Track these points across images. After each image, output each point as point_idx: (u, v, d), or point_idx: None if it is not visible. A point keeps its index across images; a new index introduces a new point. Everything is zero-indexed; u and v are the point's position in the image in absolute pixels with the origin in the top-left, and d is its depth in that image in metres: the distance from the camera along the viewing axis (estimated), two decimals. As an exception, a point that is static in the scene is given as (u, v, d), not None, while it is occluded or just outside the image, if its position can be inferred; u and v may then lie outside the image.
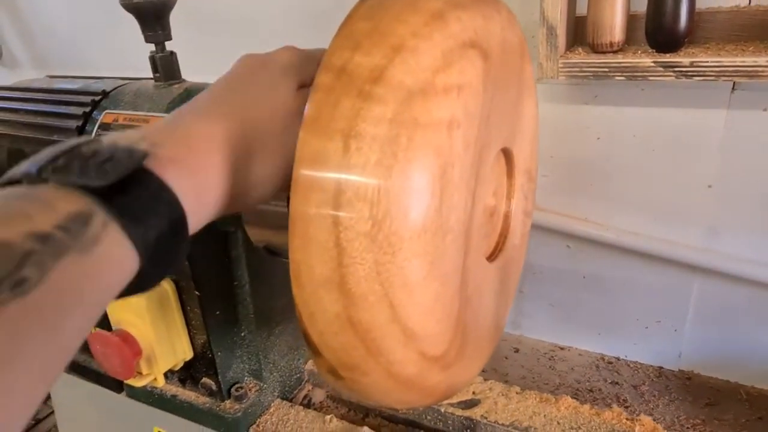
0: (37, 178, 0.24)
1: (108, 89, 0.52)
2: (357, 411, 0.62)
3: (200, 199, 0.29)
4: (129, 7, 0.47)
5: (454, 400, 0.57)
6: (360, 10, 0.29)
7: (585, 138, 0.88)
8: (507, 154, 0.43)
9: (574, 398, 0.93)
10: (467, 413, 0.55)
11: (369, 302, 0.27)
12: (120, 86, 0.52)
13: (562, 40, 0.72)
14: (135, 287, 0.26)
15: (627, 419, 0.54)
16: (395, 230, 0.27)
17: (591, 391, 0.94)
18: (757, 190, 0.81)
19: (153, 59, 0.50)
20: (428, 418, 0.56)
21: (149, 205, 0.26)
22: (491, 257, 0.42)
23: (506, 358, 1.03)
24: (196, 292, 0.50)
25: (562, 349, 1.04)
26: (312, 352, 0.29)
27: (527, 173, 0.48)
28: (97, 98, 0.51)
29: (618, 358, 1.01)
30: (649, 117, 0.83)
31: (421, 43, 0.28)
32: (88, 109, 0.50)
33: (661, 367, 0.98)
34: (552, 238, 0.97)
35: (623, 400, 0.91)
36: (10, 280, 0.19)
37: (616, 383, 0.96)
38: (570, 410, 0.54)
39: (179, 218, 0.27)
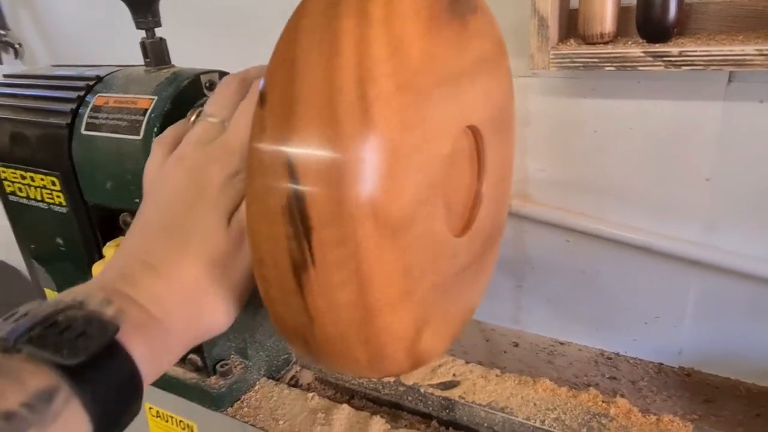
0: (12, 347, 0.26)
1: (102, 75, 0.54)
2: (343, 393, 0.63)
3: (159, 361, 0.32)
4: (120, -5, 0.49)
5: (435, 381, 0.58)
6: None
7: (582, 131, 0.88)
8: (474, 132, 0.44)
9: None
10: (445, 394, 0.55)
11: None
12: (113, 72, 0.55)
13: (554, 31, 0.73)
14: None
15: (603, 401, 0.54)
16: (354, 196, 0.28)
17: (588, 386, 0.94)
18: (756, 183, 0.80)
19: (143, 45, 0.52)
20: (409, 398, 0.57)
21: (110, 380, 0.28)
22: (459, 233, 0.43)
23: (505, 352, 1.03)
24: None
25: (561, 344, 1.04)
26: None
27: (494, 125, 0.49)
28: (91, 83, 0.53)
29: (617, 354, 1.00)
30: (645, 110, 0.83)
31: None
32: (82, 93, 0.53)
33: (661, 364, 0.97)
34: (550, 232, 0.97)
35: (621, 395, 0.91)
36: None
37: (615, 378, 0.95)
38: (547, 392, 0.55)
39: (136, 389, 0.30)
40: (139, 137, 0.47)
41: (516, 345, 1.05)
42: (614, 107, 0.84)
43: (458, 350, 1.04)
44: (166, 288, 0.34)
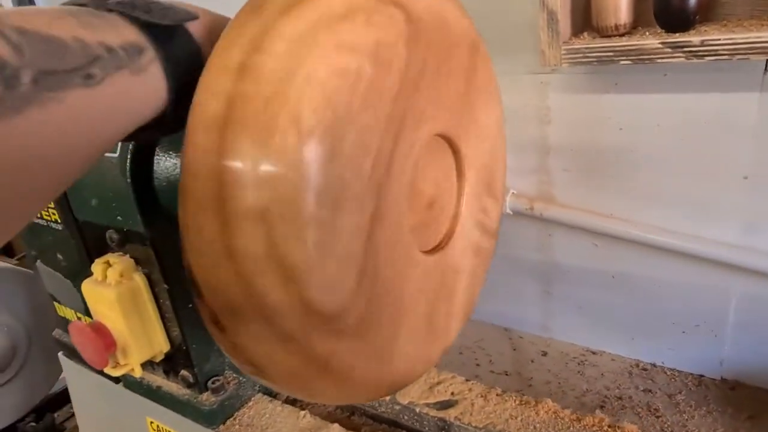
0: (102, 5, 0.29)
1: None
2: (342, 409, 0.61)
3: None
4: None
5: (432, 399, 0.55)
6: None
7: (606, 129, 0.83)
8: (453, 149, 0.41)
9: (601, 406, 0.88)
10: (441, 414, 0.53)
11: (245, 228, 0.26)
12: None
13: (565, 25, 0.68)
14: (157, 128, 0.31)
15: (609, 426, 0.50)
16: (281, 155, 0.27)
17: (620, 399, 0.88)
18: (800, 180, 0.73)
19: None
20: (405, 417, 0.55)
21: (185, 60, 0.30)
22: (428, 251, 0.40)
23: (532, 361, 0.99)
24: (165, 286, 0.51)
25: (594, 353, 0.99)
26: (195, 294, 0.29)
27: (487, 187, 0.46)
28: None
29: (654, 365, 0.94)
30: (674, 104, 0.77)
31: None
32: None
33: (701, 376, 0.90)
34: (577, 236, 0.92)
35: (655, 409, 0.85)
36: (82, 72, 0.24)
37: (649, 391, 0.89)
38: (549, 414, 0.51)
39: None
40: (116, 155, 0.47)
41: (545, 354, 1.00)
42: (639, 102, 0.79)
43: (483, 359, 1.00)
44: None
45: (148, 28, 0.29)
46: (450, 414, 0.52)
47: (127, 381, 0.63)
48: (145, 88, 0.28)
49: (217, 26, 0.33)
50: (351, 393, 0.35)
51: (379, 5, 0.31)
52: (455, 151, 0.42)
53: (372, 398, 0.39)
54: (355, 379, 0.33)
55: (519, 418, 0.51)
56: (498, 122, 0.46)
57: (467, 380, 0.57)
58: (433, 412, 0.53)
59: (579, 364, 0.97)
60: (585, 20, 0.73)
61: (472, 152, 0.43)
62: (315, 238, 0.28)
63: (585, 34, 0.71)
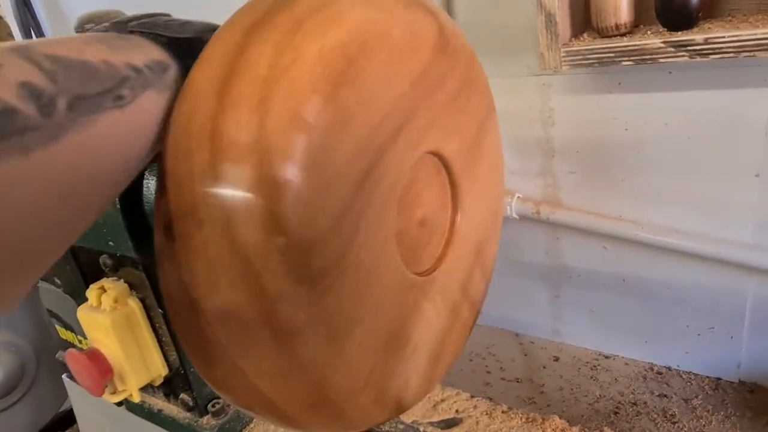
0: (124, 29, 0.29)
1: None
2: (347, 427, 0.60)
3: None
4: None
5: (435, 418, 0.53)
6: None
7: (612, 129, 0.81)
8: (448, 170, 0.40)
9: (615, 413, 0.86)
10: (446, 433, 0.51)
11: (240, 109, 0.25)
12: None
13: (564, 27, 0.66)
14: None
15: (618, 444, 0.48)
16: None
17: (635, 404, 0.86)
18: (815, 177, 0.70)
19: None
20: (409, 436, 0.53)
21: None
22: (423, 273, 0.39)
23: (544, 367, 0.97)
24: (160, 310, 0.50)
25: (606, 357, 0.97)
26: (158, 190, 0.27)
27: (478, 254, 0.44)
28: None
29: (669, 368, 0.92)
30: (681, 102, 0.75)
31: None
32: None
33: (718, 379, 0.88)
34: (586, 239, 0.90)
35: (671, 415, 0.83)
36: (113, 94, 0.24)
37: (665, 396, 0.87)
38: (557, 432, 0.50)
39: None
40: (105, 180, 0.46)
41: (556, 359, 0.98)
42: (645, 101, 0.77)
43: (494, 366, 0.99)
44: None
45: (170, 45, 0.29)
46: (454, 433, 0.51)
47: (129, 404, 0.62)
48: (169, 105, 0.28)
49: None
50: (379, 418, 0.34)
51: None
52: (447, 168, 0.40)
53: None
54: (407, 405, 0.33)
55: (525, 437, 0.50)
56: (499, 199, 0.45)
57: (472, 396, 0.55)
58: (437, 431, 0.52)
59: (592, 368, 0.95)
60: (585, 21, 0.72)
61: (470, 184, 0.41)
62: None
63: (585, 34, 0.69)
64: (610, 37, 0.65)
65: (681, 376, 0.90)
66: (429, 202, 0.40)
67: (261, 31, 0.27)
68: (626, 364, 0.95)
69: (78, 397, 0.73)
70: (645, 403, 0.86)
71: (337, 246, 0.29)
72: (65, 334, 0.67)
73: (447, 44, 0.33)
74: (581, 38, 0.68)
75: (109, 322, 0.49)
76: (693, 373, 0.90)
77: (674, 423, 0.82)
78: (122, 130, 0.25)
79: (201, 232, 0.25)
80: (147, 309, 0.52)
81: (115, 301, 0.51)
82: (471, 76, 0.37)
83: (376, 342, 0.36)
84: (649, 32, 0.63)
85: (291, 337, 0.28)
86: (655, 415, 0.84)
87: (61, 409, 1.04)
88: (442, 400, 0.55)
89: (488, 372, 0.98)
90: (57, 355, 0.72)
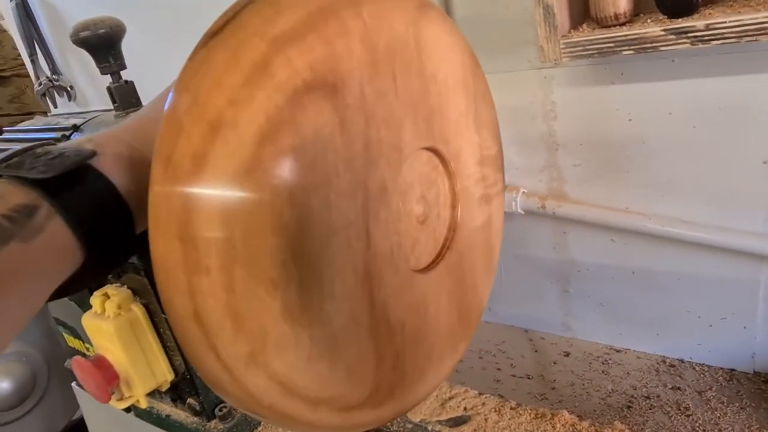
0: None
1: (79, 123, 0.54)
2: (355, 427, 0.60)
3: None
4: (78, 42, 0.48)
5: (444, 416, 0.53)
6: (183, 74, 0.26)
7: (615, 120, 0.80)
8: (438, 155, 0.39)
9: (628, 407, 0.85)
10: (454, 431, 0.51)
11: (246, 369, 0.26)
12: (89, 119, 0.54)
13: (563, 18, 0.66)
14: (82, 278, 0.29)
15: (629, 438, 0.48)
16: None
17: (648, 398, 0.85)
18: (824, 162, 0.69)
19: (110, 90, 0.51)
20: (416, 436, 0.53)
21: (94, 201, 0.28)
22: (433, 263, 0.38)
23: (554, 363, 0.96)
24: (164, 315, 0.50)
25: (617, 351, 0.96)
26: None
27: (477, 150, 0.43)
28: (67, 132, 0.53)
29: (681, 361, 0.90)
30: (685, 90, 0.74)
31: (240, 111, 0.25)
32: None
33: (732, 370, 0.87)
34: (593, 232, 0.89)
35: (685, 407, 0.82)
36: None
37: (678, 389, 0.86)
38: (567, 428, 0.49)
39: (123, 214, 0.29)
40: (104, 187, 0.46)
41: (567, 354, 0.97)
42: (648, 91, 0.76)
43: (504, 363, 0.98)
44: (149, 123, 0.32)
45: (40, 183, 0.26)
46: (463, 431, 0.50)
47: (137, 410, 0.62)
48: (45, 247, 0.26)
49: (136, 140, 0.31)
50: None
51: (293, 110, 0.27)
52: (440, 158, 0.40)
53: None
54: (408, 407, 0.33)
55: (534, 433, 0.49)
56: (462, 72, 0.41)
57: (480, 394, 0.55)
58: (445, 430, 0.51)
59: (603, 363, 0.94)
60: (583, 12, 0.71)
61: (457, 141, 0.40)
62: (318, 356, 0.28)
63: (584, 25, 0.69)
64: (609, 27, 0.65)
65: (694, 368, 0.89)
66: (422, 198, 0.39)
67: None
68: (638, 357, 0.93)
69: (88, 405, 0.73)
70: (658, 396, 0.85)
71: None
72: (73, 342, 0.68)
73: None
74: (580, 29, 0.67)
75: (113, 329, 0.49)
76: (706, 365, 0.88)
77: (688, 416, 0.81)
78: None
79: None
80: (151, 314, 0.52)
81: (119, 307, 0.51)
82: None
83: (446, 344, 0.36)
84: (649, 20, 0.63)
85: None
86: (669, 408, 0.82)
87: (74, 418, 1.04)
88: (450, 398, 0.55)
89: (498, 369, 0.97)
90: (66, 364, 0.72)
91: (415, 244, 0.38)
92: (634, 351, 0.94)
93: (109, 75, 0.51)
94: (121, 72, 0.51)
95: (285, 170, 0.26)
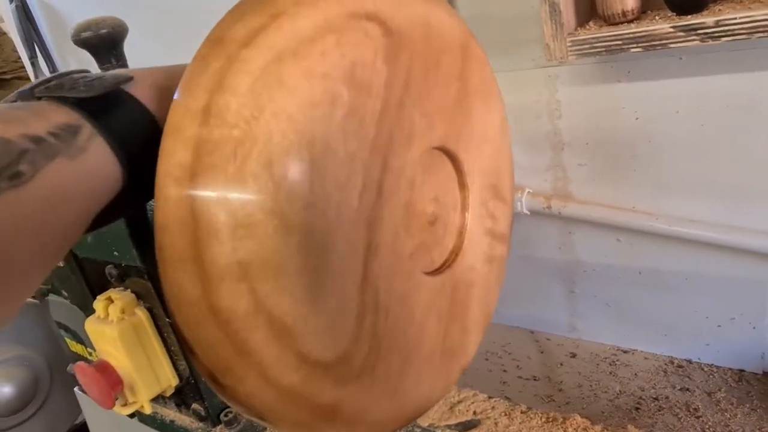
0: (30, 96, 0.27)
1: (80, 125, 0.53)
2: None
3: None
4: (79, 43, 0.48)
5: (453, 420, 0.52)
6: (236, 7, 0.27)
7: (621, 119, 0.79)
8: (453, 159, 0.39)
9: (636, 408, 0.84)
10: (464, 436, 0.50)
11: (226, 285, 0.24)
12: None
13: (569, 16, 0.65)
14: (121, 204, 0.28)
15: (642, 442, 0.47)
16: (252, 199, 0.24)
17: (656, 399, 0.84)
18: (835, 159, 0.68)
19: (112, 91, 0.50)
20: (425, 441, 0.52)
21: (131, 125, 0.28)
22: (434, 272, 0.37)
23: (561, 364, 0.95)
24: (168, 319, 0.50)
25: (625, 352, 0.95)
26: (189, 352, 0.27)
27: (492, 189, 0.43)
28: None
29: (690, 361, 0.90)
30: (692, 88, 0.73)
31: (302, 9, 0.27)
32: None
33: (741, 371, 0.86)
34: (599, 232, 0.88)
35: (694, 409, 0.81)
36: (8, 171, 0.22)
37: (687, 390, 0.85)
38: (579, 431, 0.48)
39: (159, 140, 0.28)
40: (107, 190, 0.46)
41: (573, 356, 0.96)
42: (655, 89, 0.75)
43: (510, 365, 0.97)
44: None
45: (80, 105, 0.26)
46: (473, 436, 0.49)
47: (141, 416, 0.61)
48: (89, 167, 0.26)
49: (171, 78, 0.31)
50: (333, 425, 0.33)
51: (351, 22, 0.29)
52: (454, 161, 0.39)
53: (391, 432, 0.37)
54: (368, 420, 0.31)
55: (546, 437, 0.48)
56: (499, 122, 0.43)
57: (490, 397, 0.54)
58: (454, 435, 0.50)
59: (610, 364, 0.93)
60: (589, 9, 0.70)
61: (473, 159, 0.40)
62: (303, 289, 0.26)
63: (591, 23, 0.68)
64: (616, 24, 0.64)
65: (702, 369, 0.88)
66: (434, 198, 0.38)
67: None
68: (645, 358, 0.93)
69: (90, 410, 0.72)
70: (667, 397, 0.84)
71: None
72: (75, 347, 0.67)
73: (397, 41, 0.32)
74: (587, 27, 0.67)
75: (117, 333, 0.49)
76: (715, 366, 0.87)
77: (698, 417, 0.80)
78: (27, 209, 0.22)
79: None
80: (155, 319, 0.51)
81: (122, 311, 0.50)
82: (429, 45, 0.35)
83: (434, 358, 0.35)
84: (657, 17, 0.62)
85: (358, 416, 0.32)
86: (678, 410, 0.82)
87: (77, 422, 1.03)
88: (459, 402, 0.54)
89: (504, 371, 0.96)
90: (68, 369, 0.71)
91: (420, 239, 0.37)
92: (642, 352, 0.94)
93: (111, 76, 0.50)
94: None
95: (328, 65, 0.27)
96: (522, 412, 0.51)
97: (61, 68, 1.52)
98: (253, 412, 0.28)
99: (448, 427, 0.51)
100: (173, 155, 0.25)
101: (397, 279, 0.33)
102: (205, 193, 0.24)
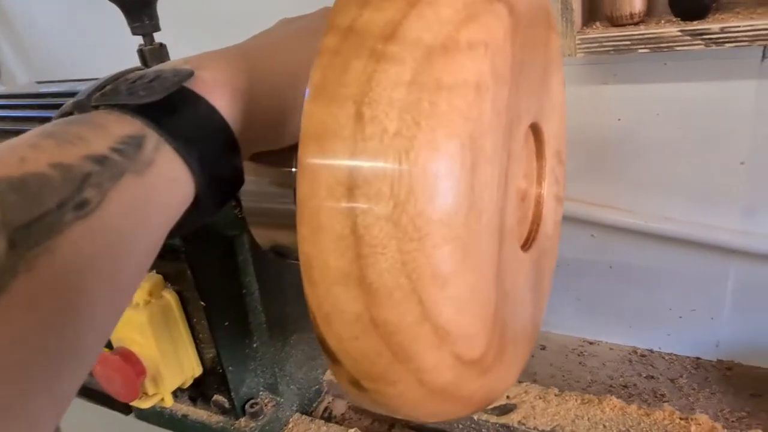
0: (86, 105, 0.25)
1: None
2: (382, 422, 0.58)
3: (247, 123, 0.28)
4: (112, -3, 0.43)
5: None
6: None
7: (605, 120, 0.83)
8: (536, 131, 0.39)
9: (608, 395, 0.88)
10: (503, 420, 0.50)
11: (394, 299, 0.23)
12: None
13: (578, 15, 0.67)
14: (195, 215, 0.26)
15: (681, 418, 0.49)
16: (421, 211, 0.22)
17: (626, 387, 0.89)
18: (794, 164, 0.76)
19: (141, 53, 0.46)
20: (460, 426, 0.52)
21: (199, 128, 0.25)
22: (525, 246, 0.37)
23: (533, 356, 0.98)
24: (202, 303, 0.46)
25: (591, 344, 0.99)
26: (330, 361, 0.25)
27: (557, 155, 0.44)
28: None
29: (651, 351, 0.95)
30: (672, 93, 0.78)
31: None
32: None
33: (698, 358, 0.92)
34: (575, 227, 0.92)
35: (661, 395, 0.86)
36: (73, 201, 0.19)
37: (652, 377, 0.90)
38: (616, 411, 0.50)
39: (230, 142, 0.26)
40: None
41: (543, 348, 1.00)
42: (638, 92, 0.80)
43: (484, 357, 0.99)
44: (258, 61, 0.30)
45: (142, 110, 0.24)
46: (512, 419, 0.50)
47: (140, 412, 0.56)
48: (157, 185, 0.23)
49: (234, 68, 0.28)
50: (468, 412, 0.32)
51: (485, 5, 0.27)
52: (537, 134, 0.39)
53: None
54: (492, 398, 0.30)
55: (585, 418, 0.49)
56: (561, 84, 0.44)
57: (520, 382, 0.54)
58: (493, 419, 0.50)
59: (579, 355, 0.97)
60: (592, 12, 0.73)
61: (547, 126, 0.40)
62: (465, 294, 0.25)
63: (597, 23, 0.71)
64: (623, 25, 0.67)
65: (663, 358, 0.94)
66: (523, 174, 0.38)
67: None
68: (611, 349, 0.98)
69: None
70: (635, 385, 0.89)
71: None
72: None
73: (517, 20, 0.31)
74: (593, 26, 0.70)
75: (146, 317, 0.44)
76: (674, 354, 0.94)
77: (665, 402, 0.85)
78: (99, 239, 0.20)
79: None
80: (184, 303, 0.47)
81: (150, 294, 0.46)
82: (532, 19, 0.34)
83: (527, 334, 0.35)
84: (662, 21, 0.66)
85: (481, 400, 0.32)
86: (647, 396, 0.86)
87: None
88: (490, 387, 0.54)
89: (479, 364, 0.98)
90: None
91: (517, 217, 0.37)
92: (607, 342, 0.99)
93: (141, 36, 0.46)
94: (154, 34, 0.46)
95: (476, 58, 0.25)
96: (555, 395, 0.52)
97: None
98: (394, 410, 0.28)
99: (485, 411, 0.51)
100: (325, 169, 0.23)
101: (511, 261, 0.33)
102: (367, 206, 0.22)
